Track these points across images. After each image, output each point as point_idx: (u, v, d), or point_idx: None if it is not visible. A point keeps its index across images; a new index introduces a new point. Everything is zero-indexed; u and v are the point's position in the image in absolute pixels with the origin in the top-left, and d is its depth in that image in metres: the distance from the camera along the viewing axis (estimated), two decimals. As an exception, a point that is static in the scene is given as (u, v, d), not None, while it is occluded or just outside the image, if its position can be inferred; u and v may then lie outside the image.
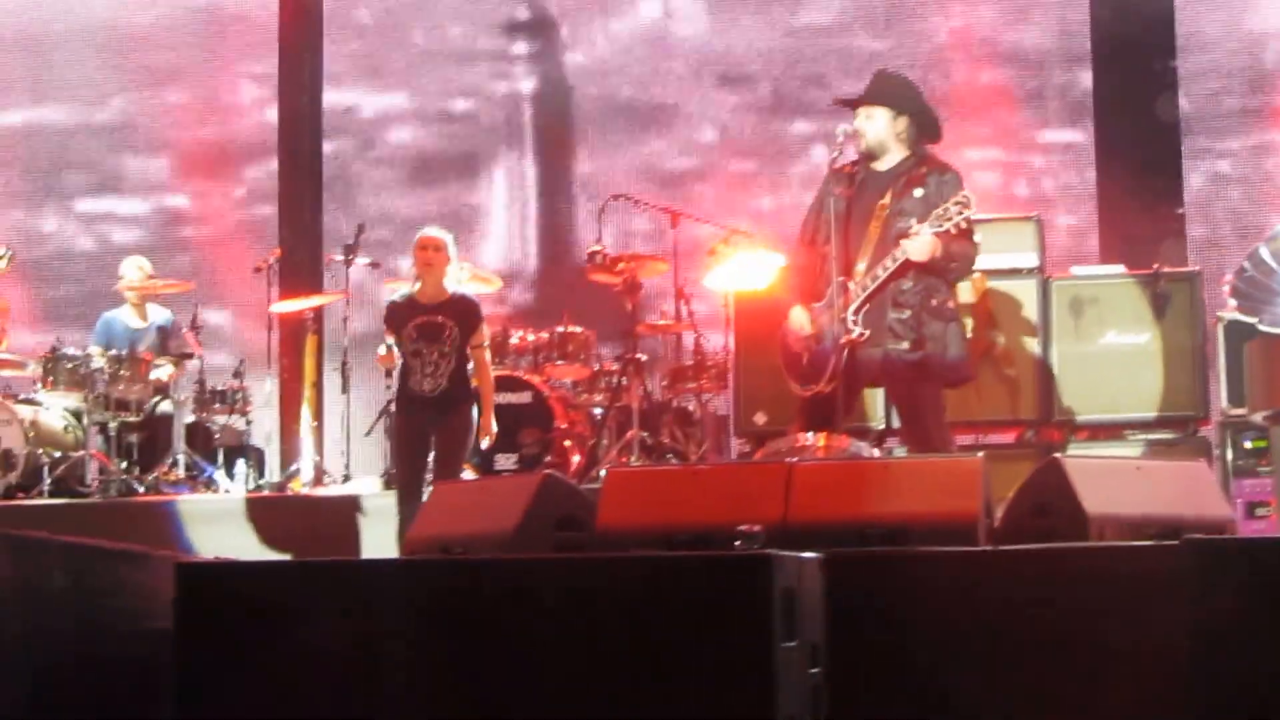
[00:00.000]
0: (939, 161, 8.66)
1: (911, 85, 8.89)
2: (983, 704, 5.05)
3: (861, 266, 8.38)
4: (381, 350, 10.12)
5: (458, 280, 10.47)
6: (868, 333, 8.30)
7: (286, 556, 10.12)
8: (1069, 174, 13.47)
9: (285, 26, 15.17)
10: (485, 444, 10.22)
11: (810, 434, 8.60)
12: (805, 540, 5.41)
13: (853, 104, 8.62)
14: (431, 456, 10.09)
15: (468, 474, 10.63)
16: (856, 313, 8.31)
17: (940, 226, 8.22)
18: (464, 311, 10.18)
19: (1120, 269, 11.02)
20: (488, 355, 10.49)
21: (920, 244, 8.20)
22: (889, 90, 8.68)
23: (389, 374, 10.48)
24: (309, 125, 15.13)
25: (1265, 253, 10.19)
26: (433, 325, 9.99)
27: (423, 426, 10.10)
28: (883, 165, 8.52)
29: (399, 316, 10.14)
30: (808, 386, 8.54)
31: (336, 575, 5.92)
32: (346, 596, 5.09)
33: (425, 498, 9.60)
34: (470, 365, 10.19)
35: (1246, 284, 10.11)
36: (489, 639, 4.73)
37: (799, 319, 8.51)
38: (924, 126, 8.63)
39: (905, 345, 8.39)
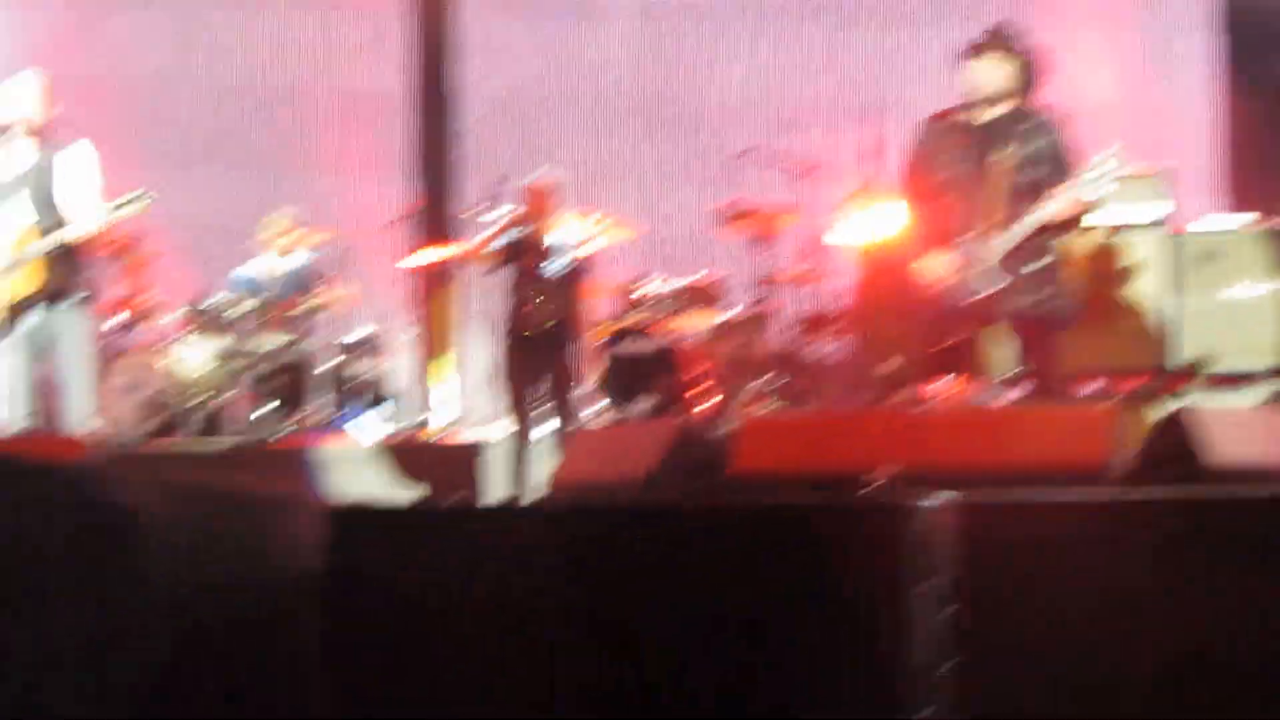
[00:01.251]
0: (1051, 109, 8.60)
1: (1020, 29, 8.80)
2: (1109, 645, 5.01)
3: (1001, 216, 8.33)
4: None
5: (588, 229, 10.55)
6: (1007, 279, 8.26)
7: (420, 500, 10.13)
8: (1196, 105, 13.34)
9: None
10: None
11: (940, 381, 8.58)
12: (938, 484, 5.39)
13: (975, 50, 8.56)
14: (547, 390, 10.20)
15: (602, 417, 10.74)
16: (1005, 264, 8.27)
17: (1079, 192, 8.20)
18: (571, 261, 10.31)
19: (1251, 218, 10.88)
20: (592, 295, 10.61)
21: (1070, 200, 8.19)
22: (1005, 35, 8.62)
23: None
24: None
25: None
26: (540, 265, 10.21)
27: (532, 362, 10.30)
28: (993, 114, 8.44)
29: (514, 255, 10.40)
30: (942, 336, 8.51)
31: (479, 519, 5.97)
32: (489, 540, 5.13)
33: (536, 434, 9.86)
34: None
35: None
36: (626, 584, 4.73)
37: (937, 268, 8.44)
38: (1033, 72, 8.54)
39: (1044, 294, 8.36)
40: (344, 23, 15.38)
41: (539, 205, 10.29)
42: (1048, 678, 5.00)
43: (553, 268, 10.17)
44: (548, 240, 10.27)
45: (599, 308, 11.21)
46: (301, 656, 4.93)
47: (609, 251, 11.47)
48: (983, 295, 8.33)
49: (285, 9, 15.46)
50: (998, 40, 8.57)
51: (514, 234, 10.40)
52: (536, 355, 10.08)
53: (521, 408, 10.19)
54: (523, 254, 10.18)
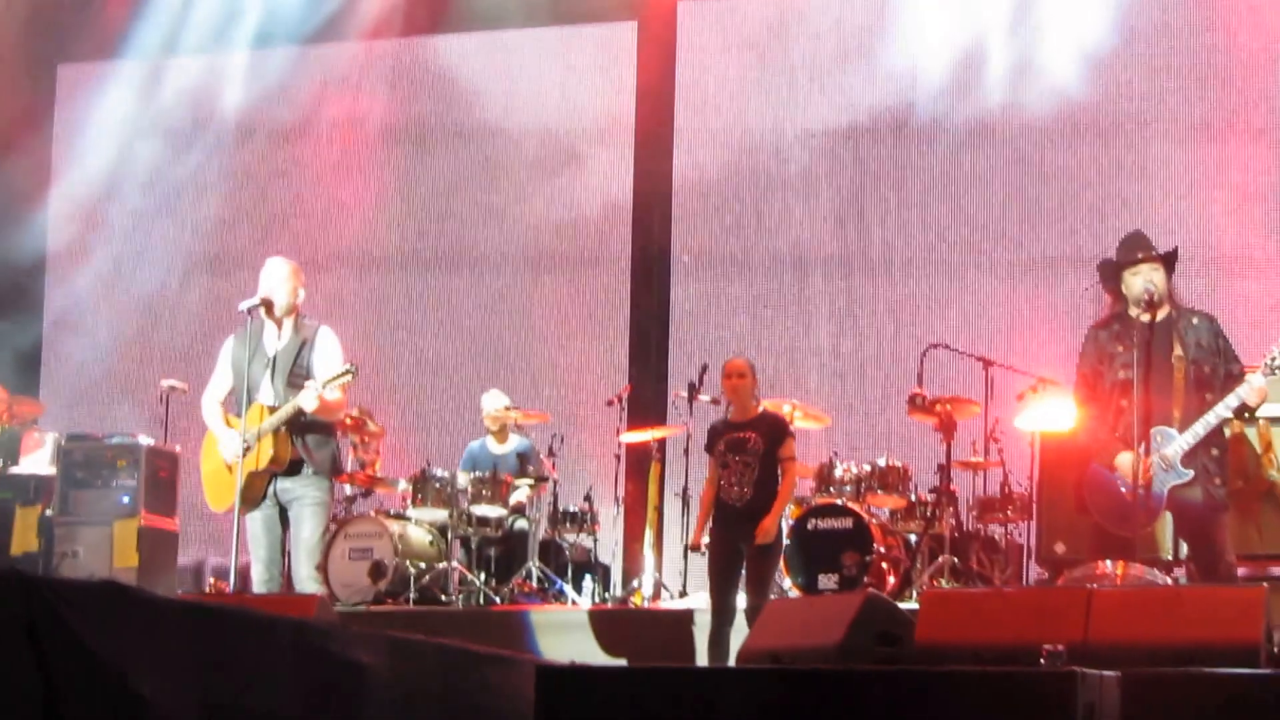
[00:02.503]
0: (1196, 309, 8.75)
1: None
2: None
3: (1176, 414, 8.38)
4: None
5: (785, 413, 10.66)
6: (1190, 474, 8.31)
7: (623, 664, 10.18)
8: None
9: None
10: (757, 540, 10.27)
11: (1108, 562, 8.60)
12: (1104, 659, 5.47)
13: (1154, 260, 8.62)
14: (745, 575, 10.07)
15: (791, 592, 10.75)
16: (1186, 460, 8.31)
17: (1273, 372, 8.23)
18: (771, 426, 10.29)
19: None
20: (795, 467, 10.46)
21: (1255, 389, 8.22)
22: (1150, 244, 8.70)
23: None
24: (658, 273, 15.32)
25: None
26: (739, 439, 10.11)
27: (734, 537, 10.07)
28: (1159, 318, 8.50)
29: (714, 435, 10.32)
30: (1126, 526, 8.53)
31: (680, 681, 6.08)
32: (689, 701, 5.24)
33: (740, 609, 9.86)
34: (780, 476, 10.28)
35: None
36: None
37: (1126, 465, 8.48)
38: (1171, 276, 8.65)
39: (1219, 482, 8.39)
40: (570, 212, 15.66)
41: (736, 384, 10.34)
42: None
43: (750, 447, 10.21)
44: (742, 420, 10.33)
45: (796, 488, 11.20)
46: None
47: (805, 436, 11.59)
48: (1167, 489, 8.38)
49: (515, 186, 15.76)
50: (1148, 249, 8.67)
51: (715, 422, 10.52)
52: (739, 529, 10.08)
53: (724, 585, 10.16)
54: (724, 433, 10.25)
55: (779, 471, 10.16)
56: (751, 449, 10.03)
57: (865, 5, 14.94)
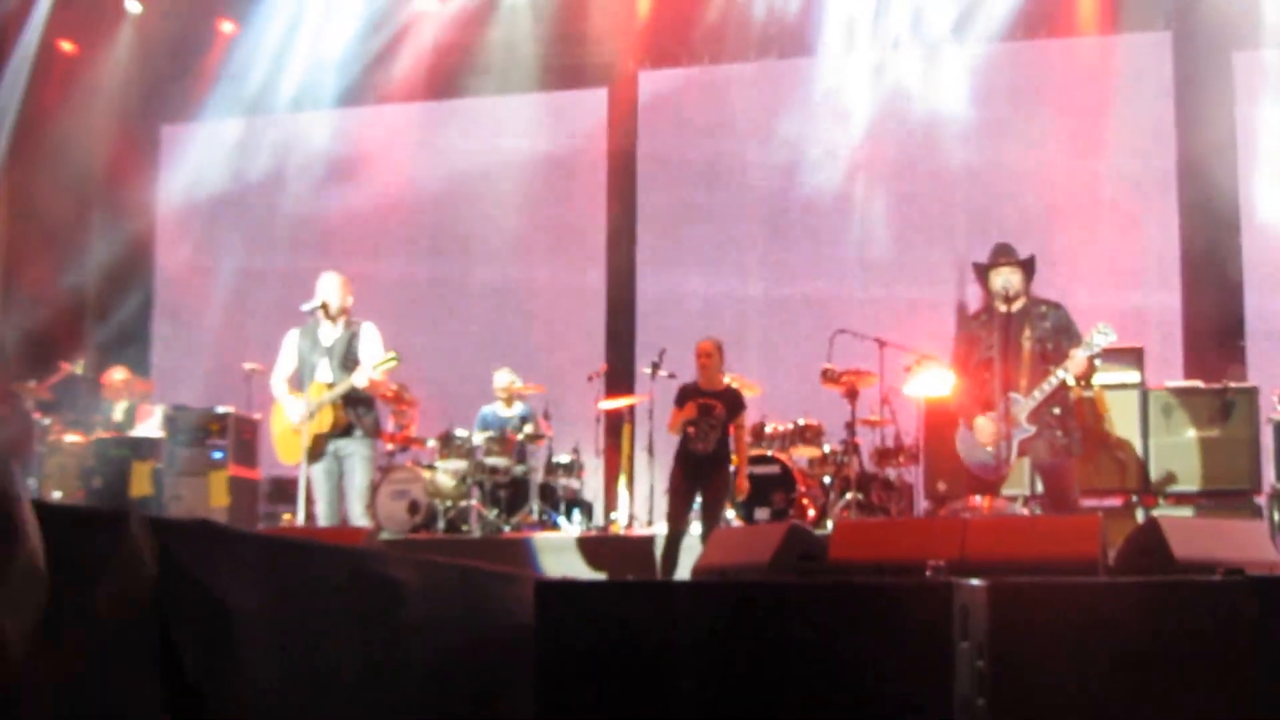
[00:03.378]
0: (1048, 300, 8.72)
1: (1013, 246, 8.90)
2: (1096, 688, 5.04)
3: (1024, 384, 8.39)
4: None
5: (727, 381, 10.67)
6: (1033, 429, 8.33)
7: (604, 577, 10.19)
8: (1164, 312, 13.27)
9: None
10: (740, 499, 10.33)
11: (978, 497, 8.59)
12: (975, 572, 5.45)
13: (1013, 264, 8.62)
14: (698, 504, 10.17)
15: (734, 521, 10.74)
16: (1031, 418, 8.34)
17: (1093, 350, 8.26)
18: (733, 399, 10.35)
19: (1199, 384, 10.94)
20: (745, 433, 10.58)
21: (1078, 364, 8.24)
22: (1011, 250, 8.71)
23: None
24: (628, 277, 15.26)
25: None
26: (707, 405, 10.15)
27: (694, 478, 10.14)
28: (1015, 308, 8.51)
29: (685, 395, 10.33)
30: (989, 471, 8.54)
31: (650, 592, 6.05)
32: (656, 608, 5.21)
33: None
34: (731, 439, 10.31)
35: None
36: (754, 642, 4.82)
37: (985, 428, 8.51)
38: (1032, 275, 8.64)
39: (1059, 434, 8.41)
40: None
41: (706, 362, 10.38)
42: (1052, 711, 5.06)
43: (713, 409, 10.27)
44: (713, 390, 10.36)
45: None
46: (520, 685, 5.03)
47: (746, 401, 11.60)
48: (1017, 440, 8.39)
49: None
50: (1008, 252, 8.68)
51: (694, 384, 10.48)
52: (698, 472, 10.12)
53: (681, 512, 10.19)
54: (694, 396, 10.28)
55: (731, 435, 10.26)
56: (717, 415, 10.14)
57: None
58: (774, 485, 10.92)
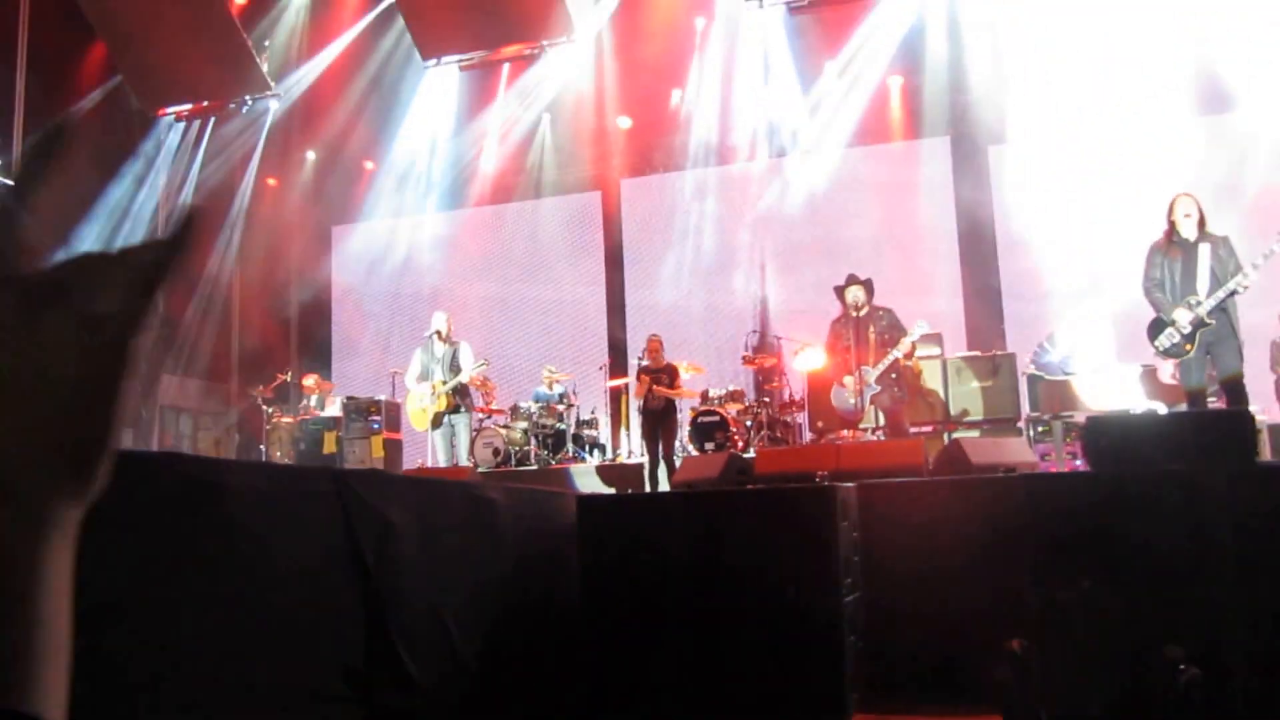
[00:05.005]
0: (884, 306, 8.65)
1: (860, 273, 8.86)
2: (932, 547, 4.99)
3: (871, 359, 8.33)
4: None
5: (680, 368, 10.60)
6: (879, 388, 8.27)
7: (614, 491, 10.11)
8: (952, 300, 13.21)
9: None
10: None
11: (846, 431, 8.51)
12: (847, 478, 5.38)
13: (858, 284, 8.56)
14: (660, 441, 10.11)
15: (693, 451, 10.67)
16: (877, 380, 8.29)
17: (914, 338, 8.22)
18: (671, 372, 10.34)
19: (977, 352, 10.86)
20: (679, 386, 10.49)
21: (904, 347, 8.25)
22: (866, 279, 8.64)
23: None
24: (619, 312, 15.12)
25: (1045, 343, 10.05)
26: (659, 377, 10.12)
27: (654, 425, 10.10)
28: (863, 313, 8.44)
29: (643, 372, 10.33)
30: (852, 414, 8.49)
31: (647, 500, 5.99)
32: (651, 510, 5.16)
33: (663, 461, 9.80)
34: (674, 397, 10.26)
35: (1037, 356, 10.03)
36: (712, 525, 4.76)
37: (847, 387, 8.45)
38: (872, 293, 8.54)
39: (896, 390, 8.36)
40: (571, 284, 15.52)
41: (654, 351, 10.39)
42: (904, 565, 5.00)
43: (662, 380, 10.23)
44: (658, 368, 10.31)
45: (688, 401, 11.16)
46: (569, 565, 4.96)
47: (696, 379, 11.51)
48: (869, 395, 8.32)
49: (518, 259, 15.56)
50: (855, 278, 8.61)
51: (647, 366, 10.42)
52: (656, 420, 10.10)
53: (651, 449, 10.09)
54: (649, 374, 10.26)
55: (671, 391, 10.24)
56: (664, 382, 10.08)
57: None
58: (716, 428, 10.81)
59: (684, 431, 11.04)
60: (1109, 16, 12.35)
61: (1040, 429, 9.69)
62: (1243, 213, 10.20)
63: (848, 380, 8.44)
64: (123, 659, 2.35)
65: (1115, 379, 9.87)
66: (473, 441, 11.12)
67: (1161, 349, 7.27)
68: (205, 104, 15.17)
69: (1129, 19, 12.24)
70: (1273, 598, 3.98)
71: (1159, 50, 12.08)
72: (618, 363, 14.17)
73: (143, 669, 2.45)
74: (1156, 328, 7.28)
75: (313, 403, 12.96)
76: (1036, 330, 11.53)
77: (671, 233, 14.95)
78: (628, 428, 13.17)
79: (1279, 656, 3.90)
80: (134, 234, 14.71)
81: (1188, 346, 7.12)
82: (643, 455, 10.54)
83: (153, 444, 14.06)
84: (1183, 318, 7.11)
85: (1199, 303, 7.08)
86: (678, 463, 9.78)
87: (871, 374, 8.31)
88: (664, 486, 9.60)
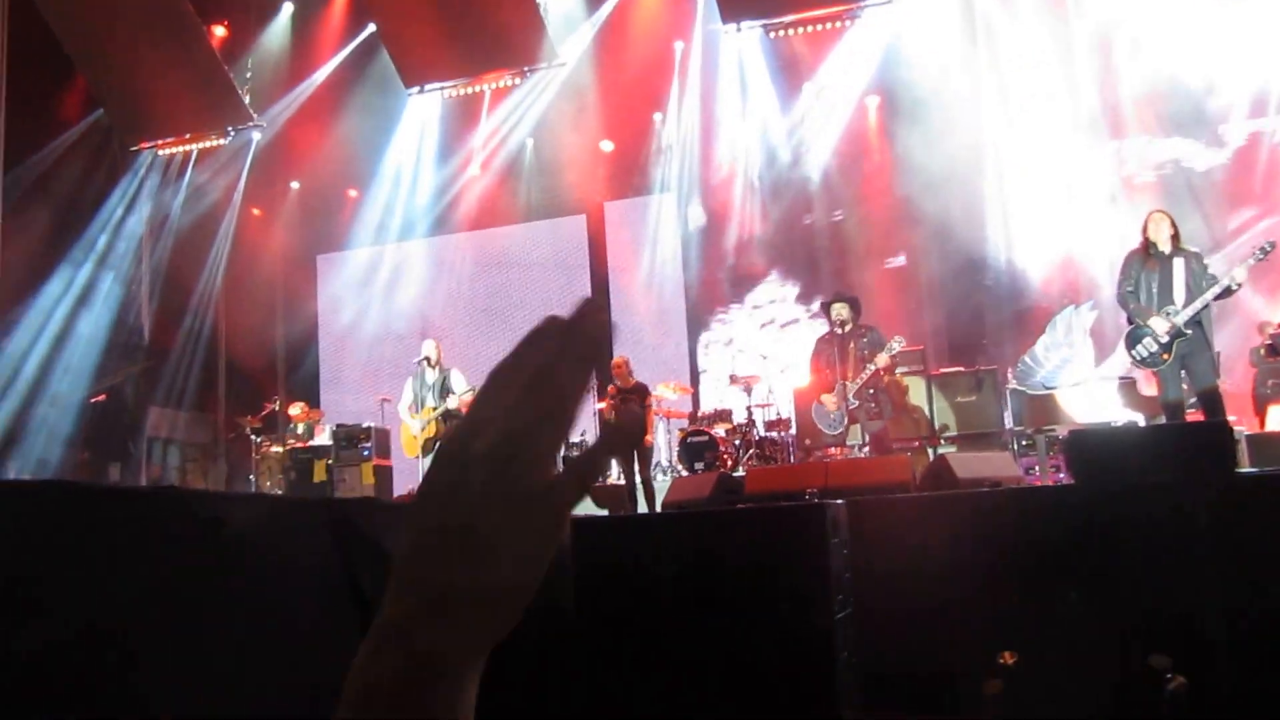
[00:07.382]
0: (868, 324, 8.72)
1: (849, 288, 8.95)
2: (913, 567, 5.03)
3: (851, 375, 8.38)
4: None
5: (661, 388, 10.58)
6: (858, 403, 8.32)
7: (604, 513, 10.07)
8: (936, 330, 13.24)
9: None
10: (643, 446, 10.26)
11: (833, 449, 8.56)
12: (836, 495, 5.41)
13: (843, 301, 8.62)
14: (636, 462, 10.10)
15: (684, 472, 10.67)
16: (856, 395, 8.34)
17: (891, 352, 8.28)
18: (641, 392, 10.29)
19: (960, 368, 10.92)
20: (650, 408, 10.50)
21: (883, 361, 8.26)
22: (852, 296, 8.71)
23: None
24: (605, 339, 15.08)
25: (1027, 358, 10.13)
26: (628, 396, 10.12)
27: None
28: (847, 330, 8.50)
29: (615, 394, 10.28)
30: (832, 433, 8.54)
31: (636, 521, 5.99)
32: (640, 531, 5.17)
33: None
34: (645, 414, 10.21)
35: (1020, 371, 10.12)
36: (703, 545, 4.78)
37: (829, 401, 8.51)
38: (858, 311, 8.59)
39: (873, 405, 8.40)
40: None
41: (621, 371, 10.39)
42: (894, 581, 5.03)
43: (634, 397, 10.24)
44: (627, 388, 10.29)
45: (676, 420, 11.14)
46: (564, 581, 4.96)
47: (683, 400, 11.52)
48: (851, 410, 8.38)
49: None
50: (841, 295, 8.68)
51: (617, 386, 10.38)
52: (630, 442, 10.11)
53: (628, 470, 10.06)
54: (617, 393, 10.26)
55: (643, 412, 10.19)
56: (634, 401, 10.12)
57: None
58: (705, 448, 10.82)
59: (673, 452, 11.04)
60: (1088, 33, 12.49)
61: (1024, 443, 9.75)
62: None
63: (825, 398, 8.51)
64: (121, 691, 2.36)
65: (1096, 392, 9.97)
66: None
67: (1139, 358, 7.34)
68: (188, 136, 15.15)
69: (1109, 36, 12.39)
70: (1255, 605, 4.03)
71: (1139, 69, 12.21)
72: (603, 382, 14.14)
73: (140, 704, 2.46)
74: (1134, 338, 7.35)
75: (300, 431, 12.90)
76: (1019, 345, 11.63)
77: (656, 253, 15.01)
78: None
79: (1263, 663, 3.95)
80: (120, 265, 14.71)
81: (1164, 356, 7.19)
82: (620, 478, 10.56)
83: (141, 477, 13.97)
84: (1160, 326, 7.19)
85: (1176, 312, 7.16)
86: (656, 483, 9.80)
87: (851, 389, 8.38)
88: (642, 508, 9.58)
